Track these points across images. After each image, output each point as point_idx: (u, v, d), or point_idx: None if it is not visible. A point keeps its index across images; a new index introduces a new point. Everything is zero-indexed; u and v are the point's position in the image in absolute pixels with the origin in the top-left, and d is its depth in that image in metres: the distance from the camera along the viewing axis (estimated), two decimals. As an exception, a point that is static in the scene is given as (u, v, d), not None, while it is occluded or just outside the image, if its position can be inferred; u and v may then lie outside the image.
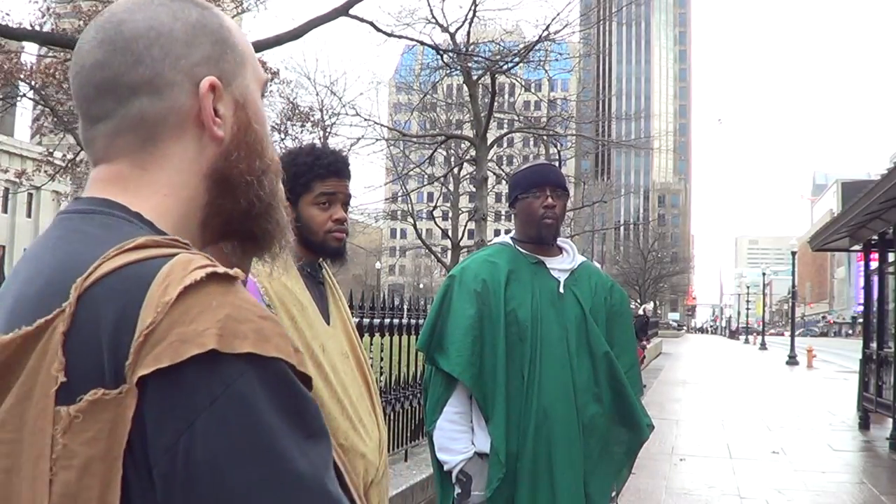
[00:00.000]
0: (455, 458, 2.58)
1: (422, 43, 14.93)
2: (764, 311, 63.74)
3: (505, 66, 16.65)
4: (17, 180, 21.55)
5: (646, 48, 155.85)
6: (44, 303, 0.71)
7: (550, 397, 2.53)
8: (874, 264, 12.01)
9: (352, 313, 2.56)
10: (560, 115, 23.21)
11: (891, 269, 11.10)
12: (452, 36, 16.69)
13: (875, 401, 10.37)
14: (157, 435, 0.66)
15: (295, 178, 2.01)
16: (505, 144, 33.99)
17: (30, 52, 16.59)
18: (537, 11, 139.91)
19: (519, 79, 20.19)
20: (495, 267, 2.64)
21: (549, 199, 2.65)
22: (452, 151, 24.21)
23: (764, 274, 58.75)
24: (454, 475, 2.58)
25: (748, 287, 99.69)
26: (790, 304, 38.69)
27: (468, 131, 20.40)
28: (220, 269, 0.71)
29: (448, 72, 18.48)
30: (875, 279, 11.79)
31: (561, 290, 2.65)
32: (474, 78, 17.04)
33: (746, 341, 59.69)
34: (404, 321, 5.33)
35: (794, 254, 33.86)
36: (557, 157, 21.97)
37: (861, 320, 15.81)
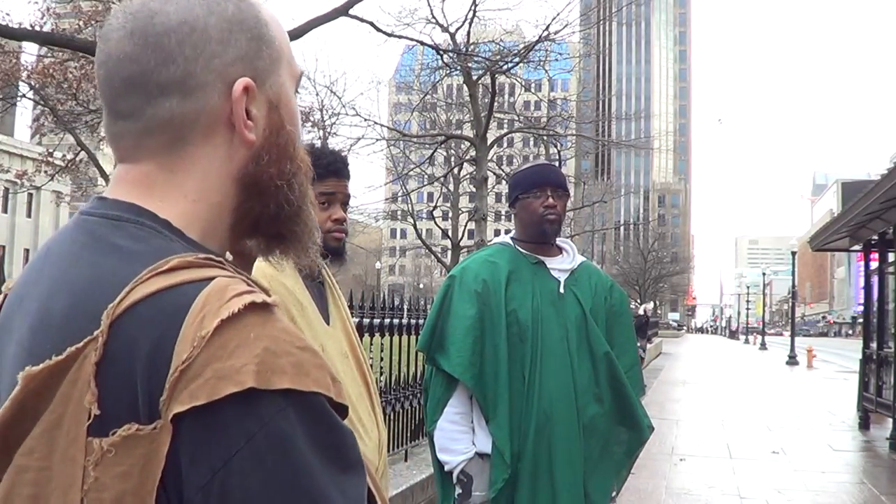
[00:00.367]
0: (456, 459, 2.58)
1: (422, 43, 14.92)
2: (764, 311, 63.86)
3: (505, 66, 16.62)
4: (18, 180, 21.51)
5: (646, 48, 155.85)
6: (72, 324, 0.69)
7: (551, 398, 2.53)
8: (874, 264, 12.01)
9: (352, 313, 2.56)
10: (560, 115, 23.16)
11: (891, 269, 11.10)
12: (452, 36, 16.67)
13: (875, 401, 10.37)
14: (192, 472, 0.65)
15: None
16: (505, 144, 33.95)
17: (30, 53, 16.58)
18: (537, 11, 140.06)
19: (519, 79, 20.15)
20: (496, 267, 2.64)
21: (550, 199, 2.65)
22: (452, 151, 24.16)
23: (764, 274, 58.89)
24: (455, 475, 2.59)
25: (748, 287, 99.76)
26: (790, 304, 38.69)
27: (468, 131, 20.38)
28: (259, 298, 0.69)
29: (448, 72, 18.44)
30: (875, 279, 11.79)
31: (561, 290, 2.65)
32: (474, 78, 17.02)
33: (746, 341, 59.65)
34: (404, 321, 5.33)
35: (794, 254, 33.91)
36: (557, 157, 21.94)
37: (861, 320, 15.80)
